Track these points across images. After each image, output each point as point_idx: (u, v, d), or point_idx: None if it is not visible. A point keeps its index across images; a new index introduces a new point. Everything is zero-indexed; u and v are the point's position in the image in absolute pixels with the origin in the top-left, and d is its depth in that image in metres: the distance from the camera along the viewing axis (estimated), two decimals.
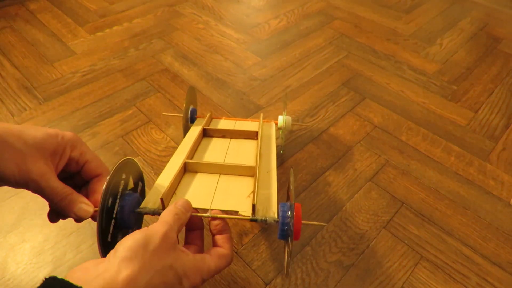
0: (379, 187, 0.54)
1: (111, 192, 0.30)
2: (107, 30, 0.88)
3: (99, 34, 0.86)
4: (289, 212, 0.31)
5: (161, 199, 0.32)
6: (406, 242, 0.47)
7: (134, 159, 0.35)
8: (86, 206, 0.29)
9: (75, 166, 0.30)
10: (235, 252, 0.46)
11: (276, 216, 0.32)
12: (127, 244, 0.24)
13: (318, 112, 0.67)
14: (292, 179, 0.33)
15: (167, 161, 0.56)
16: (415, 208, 0.51)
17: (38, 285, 0.22)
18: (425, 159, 0.59)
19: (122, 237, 0.30)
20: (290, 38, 0.88)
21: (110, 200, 0.30)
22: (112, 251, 0.24)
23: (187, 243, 0.33)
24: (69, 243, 0.46)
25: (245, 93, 0.71)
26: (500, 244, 0.48)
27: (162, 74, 0.75)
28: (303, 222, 0.32)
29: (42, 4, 0.97)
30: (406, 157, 0.59)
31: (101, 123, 0.63)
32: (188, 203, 0.30)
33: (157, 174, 0.54)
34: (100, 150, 0.58)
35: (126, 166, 0.32)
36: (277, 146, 0.50)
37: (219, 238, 0.32)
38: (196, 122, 0.54)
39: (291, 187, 0.33)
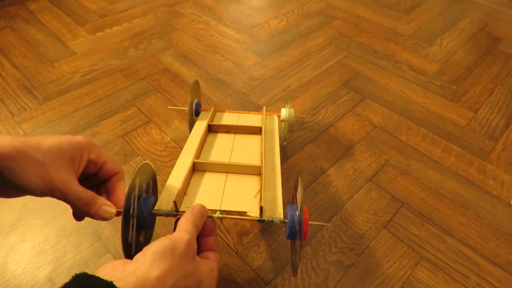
0: (379, 187, 0.54)
1: (132, 196, 0.32)
2: (107, 30, 0.88)
3: (99, 34, 0.86)
4: (297, 214, 0.33)
5: (174, 202, 0.34)
6: (406, 242, 0.47)
7: (149, 163, 0.36)
8: (108, 207, 0.31)
9: (93, 168, 0.32)
10: (235, 252, 0.46)
11: (282, 217, 0.34)
12: (155, 248, 0.26)
13: (318, 112, 0.67)
14: (300, 183, 0.34)
15: (167, 161, 0.57)
16: (415, 208, 0.51)
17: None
18: (425, 159, 0.59)
19: (138, 237, 0.33)
20: (290, 38, 0.88)
21: (132, 203, 0.32)
22: (140, 253, 0.26)
23: (204, 250, 0.33)
24: (69, 243, 0.46)
25: (245, 93, 0.71)
26: (500, 244, 0.48)
27: (162, 74, 0.75)
28: (309, 222, 0.34)
29: (42, 4, 0.97)
30: (406, 157, 0.59)
31: (101, 123, 0.63)
32: (204, 209, 0.32)
33: (157, 174, 0.55)
34: None
35: (142, 170, 0.34)
36: (280, 139, 0.51)
37: (211, 240, 0.33)
38: (200, 115, 0.55)
39: (300, 190, 0.34)
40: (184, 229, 0.29)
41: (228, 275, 0.43)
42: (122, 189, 0.33)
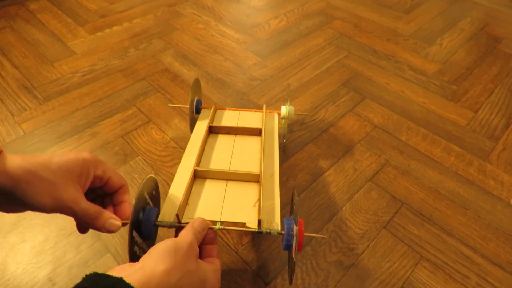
0: (379, 187, 0.54)
1: (138, 208, 0.34)
2: (107, 30, 0.88)
3: (99, 34, 0.86)
4: (293, 227, 0.34)
5: (177, 215, 0.35)
6: (406, 242, 0.47)
7: (154, 176, 0.38)
8: (115, 220, 0.32)
9: (99, 183, 0.33)
10: (235, 252, 0.46)
11: (279, 228, 0.36)
12: (160, 248, 0.28)
13: (318, 112, 0.67)
14: (296, 198, 0.36)
15: (167, 161, 0.56)
16: (415, 208, 0.51)
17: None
18: (425, 159, 0.59)
19: (142, 245, 0.35)
20: (290, 38, 0.88)
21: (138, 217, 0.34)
22: (146, 255, 0.28)
23: (205, 257, 0.35)
24: (69, 243, 0.46)
25: (245, 93, 0.71)
26: (500, 244, 0.48)
27: (162, 74, 0.75)
28: (305, 234, 0.36)
29: (42, 4, 0.97)
30: (406, 157, 0.59)
31: (101, 123, 0.63)
32: (204, 223, 0.34)
33: (157, 174, 0.55)
34: (100, 150, 0.58)
35: (147, 183, 0.36)
36: (280, 136, 0.51)
37: (212, 248, 0.35)
38: (201, 114, 0.55)
39: (295, 205, 0.35)
40: (187, 234, 0.31)
41: (228, 275, 0.43)
42: (128, 203, 0.35)
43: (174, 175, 0.54)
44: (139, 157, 0.57)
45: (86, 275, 0.24)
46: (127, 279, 0.24)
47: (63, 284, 0.42)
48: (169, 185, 0.53)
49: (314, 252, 0.46)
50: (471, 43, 0.88)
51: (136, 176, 0.54)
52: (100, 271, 0.25)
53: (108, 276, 0.24)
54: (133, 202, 0.32)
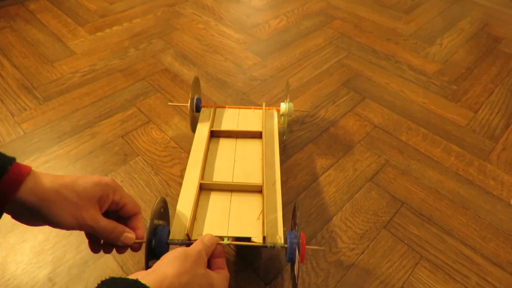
0: (379, 187, 0.54)
1: (152, 229, 0.36)
2: (107, 30, 0.88)
3: (99, 34, 0.86)
4: (295, 242, 0.36)
5: (187, 234, 0.38)
6: (406, 242, 0.47)
7: (164, 198, 0.39)
8: (129, 234, 0.35)
9: (114, 207, 0.35)
10: (235, 252, 0.46)
11: (283, 241, 0.38)
12: (171, 253, 0.31)
13: (318, 112, 0.67)
14: (298, 212, 0.38)
15: (167, 161, 0.56)
16: (415, 208, 0.51)
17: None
18: (425, 159, 0.59)
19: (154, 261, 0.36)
20: (290, 38, 0.88)
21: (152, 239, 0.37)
22: (158, 261, 0.30)
23: (214, 269, 0.36)
24: (69, 243, 0.46)
25: (245, 93, 0.71)
26: (500, 244, 0.48)
27: (162, 74, 0.75)
28: (306, 247, 0.38)
29: (42, 4, 0.97)
30: (406, 157, 0.59)
31: (101, 123, 0.63)
32: (213, 239, 0.36)
33: (157, 174, 0.55)
34: (100, 150, 0.58)
35: (158, 204, 0.38)
36: (279, 133, 0.53)
37: (221, 261, 0.36)
38: (201, 113, 0.56)
39: (297, 219, 0.37)
40: (196, 245, 0.33)
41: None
42: (142, 230, 0.37)
43: (174, 175, 0.55)
44: (139, 157, 0.57)
45: (102, 281, 0.25)
46: (142, 281, 0.26)
47: (63, 284, 0.42)
48: (169, 185, 0.53)
49: (314, 252, 0.46)
50: (471, 43, 0.88)
51: (136, 176, 0.54)
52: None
53: (125, 278, 0.26)
54: (146, 225, 0.35)
